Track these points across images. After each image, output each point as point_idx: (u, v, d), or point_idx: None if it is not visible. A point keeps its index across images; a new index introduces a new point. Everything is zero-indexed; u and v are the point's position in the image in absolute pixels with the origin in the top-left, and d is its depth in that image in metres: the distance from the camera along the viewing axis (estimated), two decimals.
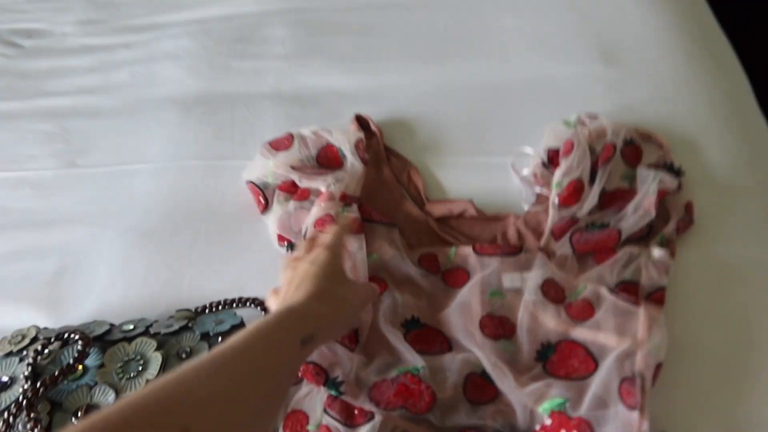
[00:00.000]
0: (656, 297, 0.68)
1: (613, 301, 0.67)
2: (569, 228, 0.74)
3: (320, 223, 0.73)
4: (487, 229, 0.78)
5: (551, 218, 0.75)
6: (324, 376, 0.63)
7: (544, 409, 0.60)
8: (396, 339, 0.66)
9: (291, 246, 0.77)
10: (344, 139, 0.82)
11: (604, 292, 0.68)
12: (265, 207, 0.81)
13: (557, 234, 0.74)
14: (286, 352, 0.46)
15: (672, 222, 0.75)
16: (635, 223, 0.73)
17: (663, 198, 0.75)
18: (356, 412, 0.61)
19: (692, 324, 0.70)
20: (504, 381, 0.62)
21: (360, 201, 0.77)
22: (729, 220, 0.78)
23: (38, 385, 0.59)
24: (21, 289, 0.77)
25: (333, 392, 0.62)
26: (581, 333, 0.66)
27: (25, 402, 0.58)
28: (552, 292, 0.69)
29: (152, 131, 0.93)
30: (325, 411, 0.62)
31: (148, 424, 0.33)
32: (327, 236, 0.63)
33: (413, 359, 0.64)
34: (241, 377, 0.41)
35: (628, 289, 0.68)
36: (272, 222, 0.79)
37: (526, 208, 0.80)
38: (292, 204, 0.79)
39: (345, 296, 0.58)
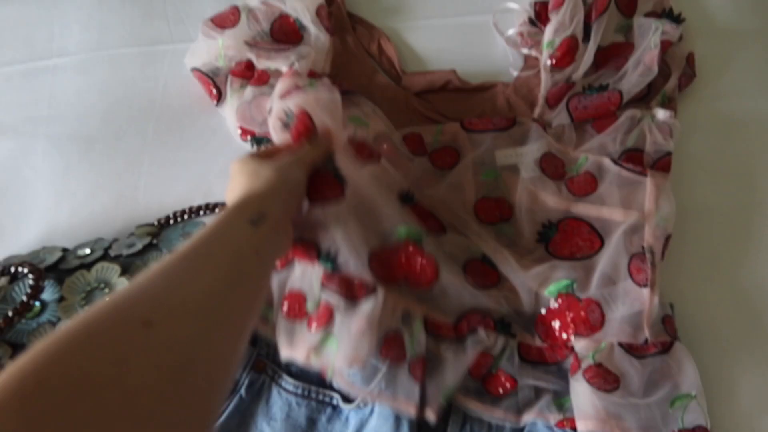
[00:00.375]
0: (662, 164, 0.63)
1: (617, 171, 0.62)
2: (565, 93, 0.66)
3: (285, 95, 0.62)
4: (474, 102, 0.70)
5: (544, 83, 0.67)
6: (315, 251, 0.55)
7: (549, 291, 0.57)
8: (390, 204, 0.58)
9: (257, 140, 0.67)
10: (302, 6, 0.70)
11: (607, 163, 0.62)
12: (219, 98, 0.70)
13: (552, 101, 0.67)
14: (236, 236, 0.45)
15: (673, 77, 0.69)
16: (637, 82, 0.66)
17: (665, 51, 0.68)
18: (356, 283, 0.55)
19: (697, 187, 0.67)
20: (506, 265, 0.58)
21: (330, 77, 0.67)
22: (731, 70, 0.72)
23: None
24: None
25: (329, 266, 0.55)
26: (584, 209, 0.62)
27: None
28: (551, 167, 0.63)
29: (67, 16, 0.78)
30: (322, 287, 0.55)
31: (109, 319, 0.32)
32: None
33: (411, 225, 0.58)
34: (196, 266, 0.40)
35: (633, 157, 0.63)
36: (229, 114, 0.69)
37: (515, 74, 0.72)
38: (249, 90, 0.68)
39: (286, 165, 0.52)
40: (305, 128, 0.56)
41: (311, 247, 0.55)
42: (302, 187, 0.53)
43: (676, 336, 0.56)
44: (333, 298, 0.54)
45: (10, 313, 0.53)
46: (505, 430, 0.55)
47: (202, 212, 0.64)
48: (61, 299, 0.55)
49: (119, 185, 0.67)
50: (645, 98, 0.68)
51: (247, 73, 0.69)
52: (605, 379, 0.52)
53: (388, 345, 0.54)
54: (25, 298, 0.54)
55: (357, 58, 0.73)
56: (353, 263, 0.54)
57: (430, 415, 0.53)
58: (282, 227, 0.49)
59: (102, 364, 0.30)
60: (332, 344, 0.53)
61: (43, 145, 0.70)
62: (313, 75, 0.66)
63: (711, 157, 0.68)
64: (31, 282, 0.55)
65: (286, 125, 0.59)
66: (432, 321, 0.57)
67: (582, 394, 0.52)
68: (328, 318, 0.54)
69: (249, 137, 0.68)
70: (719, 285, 0.62)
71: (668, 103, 0.68)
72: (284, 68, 0.66)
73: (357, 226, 0.56)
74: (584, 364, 0.54)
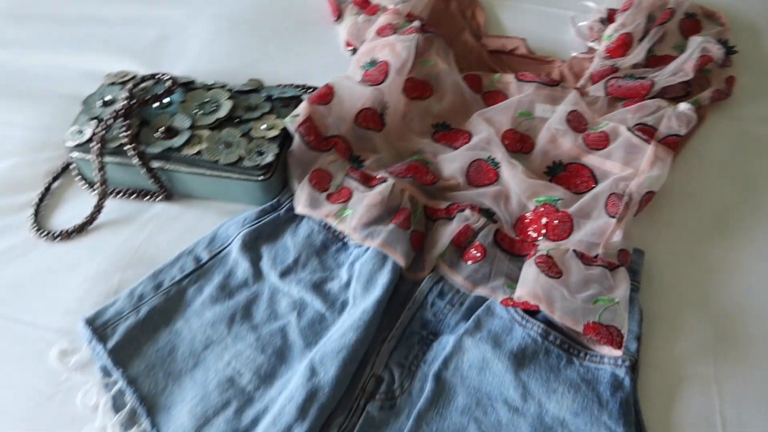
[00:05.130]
0: (669, 141, 0.73)
1: (628, 137, 0.73)
2: (608, 75, 0.79)
3: (382, 30, 0.82)
4: (534, 68, 0.85)
5: (594, 65, 0.81)
6: (350, 152, 0.74)
7: (538, 200, 0.69)
8: (417, 138, 0.77)
9: (355, 51, 0.86)
10: None
11: (621, 128, 0.74)
12: (339, 17, 0.91)
13: (595, 78, 0.80)
14: None
15: (709, 90, 0.80)
16: (670, 78, 0.77)
17: (705, 64, 0.79)
18: (374, 176, 0.72)
19: (697, 177, 0.76)
20: (513, 171, 0.71)
21: (423, 21, 0.85)
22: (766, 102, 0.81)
23: (132, 102, 0.73)
24: (125, 48, 0.91)
25: (356, 165, 0.74)
26: (591, 159, 0.74)
27: (122, 112, 0.72)
28: (575, 122, 0.76)
29: None
30: (347, 175, 0.73)
31: None
32: None
33: (430, 149, 0.75)
34: None
35: (645, 130, 0.74)
36: (343, 29, 0.89)
37: (573, 54, 0.85)
38: (362, 16, 0.88)
39: None
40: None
41: (348, 148, 0.74)
42: None
43: (625, 265, 0.65)
44: (353, 183, 0.72)
45: (147, 97, 0.74)
46: (469, 297, 0.67)
47: (298, 87, 0.83)
48: (183, 101, 0.76)
49: (248, 55, 0.89)
50: (679, 99, 0.79)
51: (364, 4, 0.89)
52: (550, 267, 0.63)
53: (398, 215, 0.69)
54: (160, 92, 0.75)
55: (452, 16, 0.90)
56: (374, 168, 0.72)
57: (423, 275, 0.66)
58: None
59: None
60: (348, 212, 0.70)
61: (205, 16, 0.94)
62: (411, 16, 0.85)
63: (723, 161, 0.77)
64: (168, 85, 0.76)
65: (362, 67, 0.79)
66: (430, 207, 0.71)
67: (528, 272, 0.63)
68: (347, 196, 0.71)
69: (351, 48, 0.87)
70: (689, 261, 0.70)
71: (698, 110, 0.79)
72: (390, 5, 0.86)
73: (384, 148, 0.75)
74: (538, 253, 0.65)
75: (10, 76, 0.88)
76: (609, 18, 0.86)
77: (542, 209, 0.68)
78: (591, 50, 0.86)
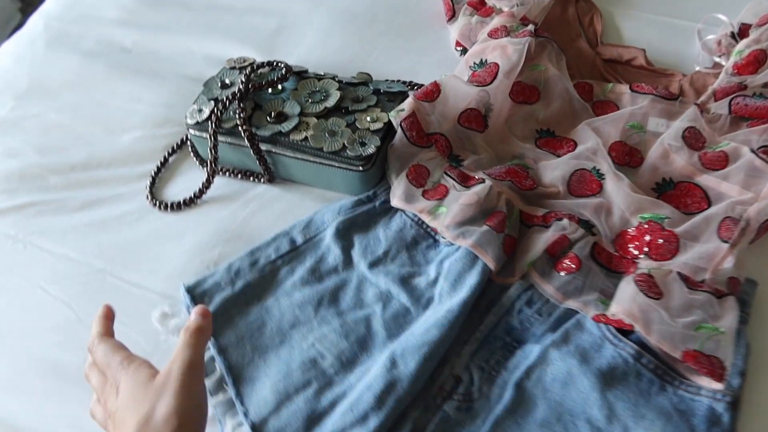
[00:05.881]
0: None
1: (751, 159, 0.68)
2: (734, 92, 0.74)
3: (495, 32, 0.81)
4: (651, 80, 0.81)
5: (719, 81, 0.76)
6: (449, 150, 0.74)
7: (642, 217, 0.66)
8: (519, 142, 0.76)
9: (464, 51, 0.86)
10: None
11: (744, 150, 0.69)
12: (452, 17, 0.91)
13: (719, 95, 0.75)
14: None
15: None
16: None
17: None
18: (471, 176, 0.71)
19: None
20: (618, 183, 0.68)
21: (537, 25, 0.84)
22: None
23: (248, 86, 0.77)
24: (247, 36, 0.95)
25: (454, 164, 0.73)
26: (706, 179, 0.69)
27: (238, 95, 0.76)
28: (692, 139, 0.72)
29: None
30: (445, 173, 0.73)
31: None
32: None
33: (532, 154, 0.74)
34: None
35: None
36: (455, 29, 0.89)
37: (697, 68, 0.81)
38: (475, 18, 0.87)
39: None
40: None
41: (448, 146, 0.74)
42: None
43: (735, 295, 0.61)
44: (450, 181, 0.71)
45: (263, 82, 0.77)
46: (559, 308, 0.65)
47: (405, 83, 0.84)
48: (295, 89, 0.78)
49: (360, 50, 0.91)
50: None
51: (478, 5, 0.89)
52: (650, 286, 0.59)
53: (492, 217, 0.68)
54: (275, 78, 0.78)
55: (568, 22, 0.88)
56: (473, 168, 0.72)
57: (512, 281, 0.65)
58: None
59: None
60: (442, 210, 0.69)
61: (322, 10, 0.97)
62: (525, 20, 0.83)
63: None
64: (282, 72, 0.79)
65: (471, 67, 0.79)
66: (526, 213, 0.70)
67: (625, 289, 0.60)
68: (443, 194, 0.71)
69: (460, 48, 0.87)
70: None
71: None
72: (506, 8, 0.85)
73: (485, 150, 0.74)
74: (638, 271, 0.62)
75: (142, 56, 0.95)
76: (741, 33, 0.81)
77: (646, 226, 0.65)
78: (717, 66, 0.80)
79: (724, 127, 0.74)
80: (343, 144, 0.72)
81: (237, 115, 0.75)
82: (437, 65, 0.86)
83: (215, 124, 0.76)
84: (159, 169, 0.82)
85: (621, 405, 0.57)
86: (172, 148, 0.83)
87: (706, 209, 0.67)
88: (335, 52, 0.91)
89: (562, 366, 0.59)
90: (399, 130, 0.73)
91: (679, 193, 0.69)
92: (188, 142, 0.83)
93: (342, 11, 0.96)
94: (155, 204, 0.78)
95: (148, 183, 0.80)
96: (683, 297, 0.59)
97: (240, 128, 0.75)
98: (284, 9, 0.98)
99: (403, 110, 0.73)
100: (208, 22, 0.98)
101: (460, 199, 0.69)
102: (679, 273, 0.61)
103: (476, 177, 0.71)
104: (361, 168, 0.72)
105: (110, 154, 0.84)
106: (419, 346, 0.60)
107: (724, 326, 0.58)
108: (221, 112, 0.76)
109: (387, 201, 0.73)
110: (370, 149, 0.72)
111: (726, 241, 0.62)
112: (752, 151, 0.69)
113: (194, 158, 0.82)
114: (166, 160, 0.82)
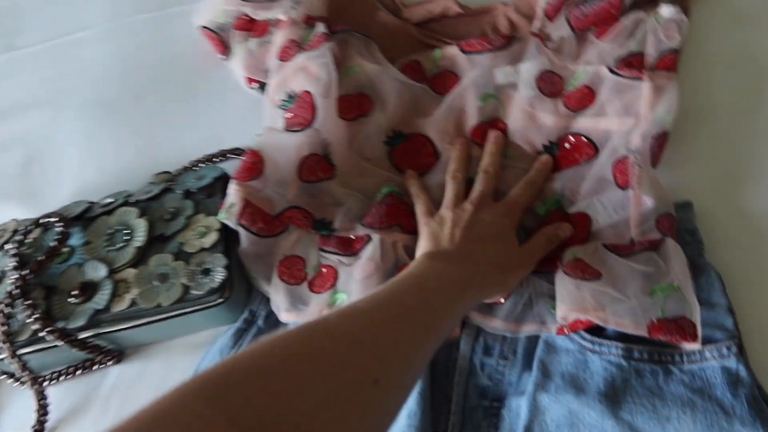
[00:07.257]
0: (666, 62, 0.60)
1: (615, 80, 0.60)
2: (563, 4, 0.65)
3: (285, 52, 0.65)
4: (474, 25, 0.70)
5: None
6: (311, 220, 0.59)
7: (540, 210, 0.59)
8: (377, 169, 0.62)
9: (263, 86, 0.69)
10: None
11: (604, 72, 0.61)
12: (225, 51, 0.73)
13: (551, 13, 0.65)
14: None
15: None
16: None
17: None
18: (353, 238, 0.58)
19: (712, 84, 0.63)
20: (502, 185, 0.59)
21: (326, 21, 0.68)
22: None
23: (26, 272, 0.56)
24: None
25: (325, 233, 0.59)
26: (582, 123, 0.61)
27: (18, 291, 0.56)
28: (548, 84, 0.62)
29: None
30: (321, 251, 0.59)
31: (339, 371, 0.34)
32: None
33: (397, 179, 0.62)
34: (424, 325, 0.42)
35: (632, 62, 0.61)
36: (237, 65, 0.71)
37: None
38: (252, 42, 0.71)
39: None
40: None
41: (307, 216, 0.59)
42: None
43: (671, 233, 0.54)
44: (333, 258, 0.58)
45: (41, 258, 0.57)
46: (520, 340, 0.55)
47: (215, 159, 0.67)
48: (86, 243, 0.59)
49: (139, 141, 0.71)
50: (653, 1, 0.65)
51: (249, 25, 0.72)
52: (583, 270, 0.52)
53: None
54: (54, 244, 0.58)
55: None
56: (348, 225, 0.59)
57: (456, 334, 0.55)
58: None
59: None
60: (341, 297, 0.56)
61: (70, 114, 0.75)
62: (309, 20, 0.68)
63: (728, 53, 0.64)
64: (59, 229, 0.59)
65: (280, 107, 0.64)
66: None
67: (562, 285, 0.52)
68: (333, 277, 0.57)
69: (256, 84, 0.70)
70: (722, 184, 0.59)
71: (682, 3, 0.65)
72: (282, 16, 0.68)
73: (348, 195, 0.61)
74: (564, 261, 0.53)
75: None
76: None
77: (552, 220, 0.58)
78: None
79: (572, 49, 0.64)
80: (183, 284, 0.55)
81: (30, 319, 0.55)
82: (241, 117, 0.69)
83: (9, 342, 0.55)
84: None
85: (640, 418, 0.49)
86: None
87: (594, 155, 0.59)
88: (112, 158, 0.71)
89: (559, 409, 0.50)
90: (240, 231, 0.57)
91: (566, 152, 0.61)
92: None
93: (93, 103, 0.75)
94: None
95: None
96: (621, 266, 0.52)
97: (45, 333, 0.55)
98: (23, 132, 0.75)
99: (233, 205, 0.57)
100: None
101: (355, 275, 0.56)
102: (604, 244, 0.54)
103: (358, 236, 0.58)
104: (219, 301, 0.56)
105: None
106: None
107: (676, 278, 0.51)
108: (7, 324, 0.55)
109: (271, 313, 0.59)
110: (219, 275, 0.56)
111: (625, 188, 0.55)
112: (611, 71, 0.60)
113: (8, 380, 0.61)
114: None
